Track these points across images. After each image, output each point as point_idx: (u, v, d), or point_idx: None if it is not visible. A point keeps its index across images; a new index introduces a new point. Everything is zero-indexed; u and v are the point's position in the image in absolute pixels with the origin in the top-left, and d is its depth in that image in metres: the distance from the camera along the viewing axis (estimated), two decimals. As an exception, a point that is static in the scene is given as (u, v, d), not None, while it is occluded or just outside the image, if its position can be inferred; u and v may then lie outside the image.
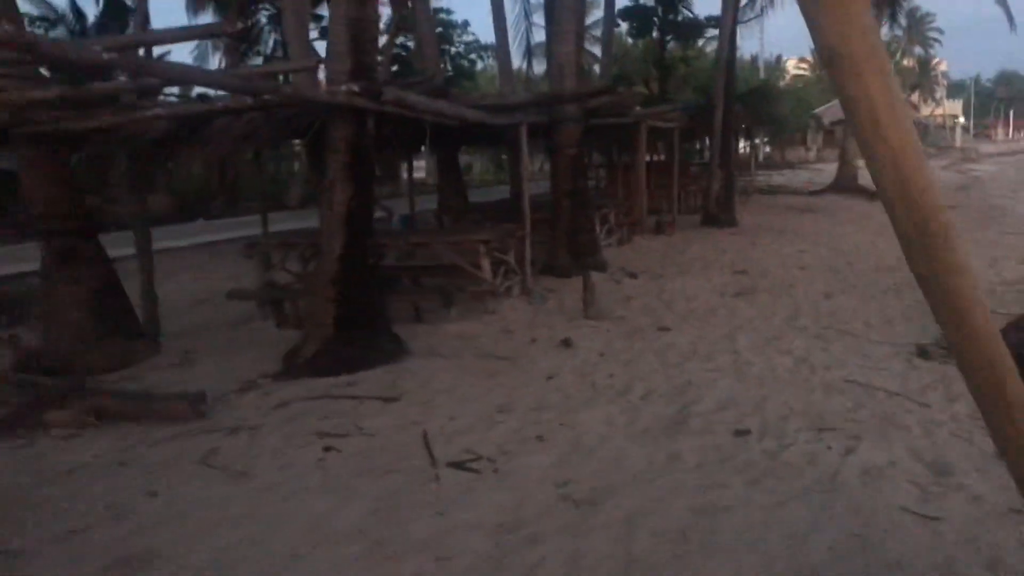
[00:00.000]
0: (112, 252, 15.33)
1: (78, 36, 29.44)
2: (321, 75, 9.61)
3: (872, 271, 12.46)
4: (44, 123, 6.82)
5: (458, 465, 4.73)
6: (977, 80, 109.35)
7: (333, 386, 6.46)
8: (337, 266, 6.77)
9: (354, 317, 6.84)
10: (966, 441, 5.28)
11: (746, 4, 25.75)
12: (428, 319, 9.01)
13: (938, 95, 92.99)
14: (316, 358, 6.73)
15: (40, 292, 8.10)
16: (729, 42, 17.69)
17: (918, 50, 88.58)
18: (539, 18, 27.67)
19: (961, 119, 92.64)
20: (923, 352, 7.57)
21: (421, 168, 37.69)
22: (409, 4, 21.92)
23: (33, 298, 9.66)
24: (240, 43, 33.15)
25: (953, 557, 3.68)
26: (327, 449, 5.10)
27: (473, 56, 42.93)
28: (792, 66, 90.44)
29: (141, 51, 7.97)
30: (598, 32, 35.25)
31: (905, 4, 30.57)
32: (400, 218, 14.90)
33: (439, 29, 37.92)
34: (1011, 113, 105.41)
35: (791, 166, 49.33)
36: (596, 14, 36.58)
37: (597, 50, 37.75)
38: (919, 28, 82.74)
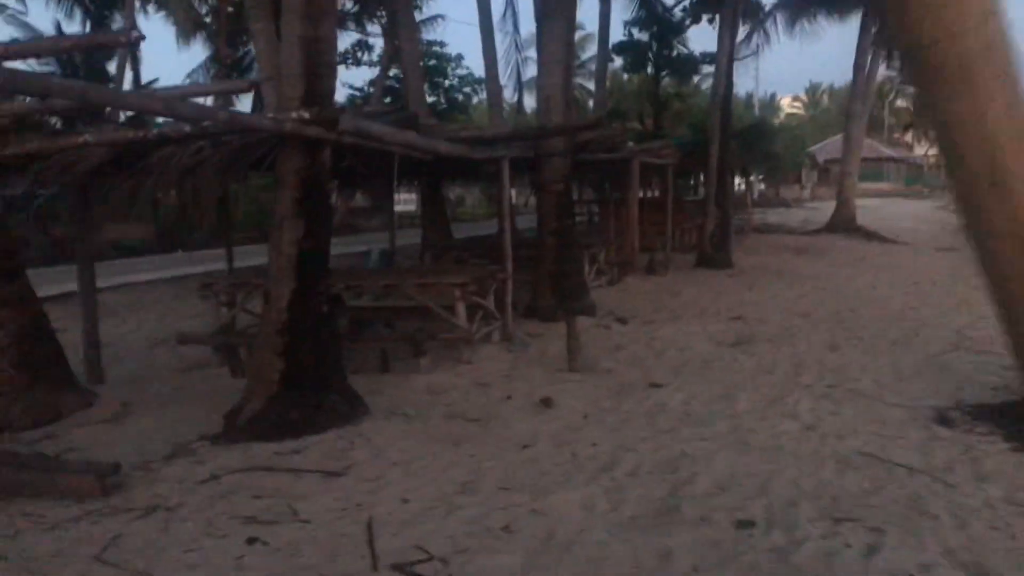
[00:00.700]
0: (102, 283, 14.62)
1: (65, 65, 28.88)
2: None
3: (877, 319, 11.70)
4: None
5: (403, 569, 3.89)
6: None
7: (276, 453, 5.63)
8: (285, 315, 5.98)
9: (303, 373, 6.03)
10: (1007, 536, 4.49)
11: (742, 41, 25.28)
12: (397, 368, 8.22)
13: (931, 136, 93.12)
14: (259, 419, 5.91)
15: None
16: (726, 78, 17.11)
17: (911, 90, 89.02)
18: (532, 52, 27.18)
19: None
20: (944, 419, 6.79)
21: (413, 200, 37.04)
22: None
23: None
24: (231, 71, 32.69)
25: None
26: (251, 541, 4.26)
27: (467, 89, 42.53)
28: (786, 104, 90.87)
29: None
30: (594, 67, 34.96)
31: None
32: (379, 254, 14.15)
33: (433, 62, 37.56)
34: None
35: (786, 204, 48.85)
36: (591, 49, 36.27)
37: (592, 85, 37.46)
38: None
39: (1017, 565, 4.07)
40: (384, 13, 32.27)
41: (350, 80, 50.95)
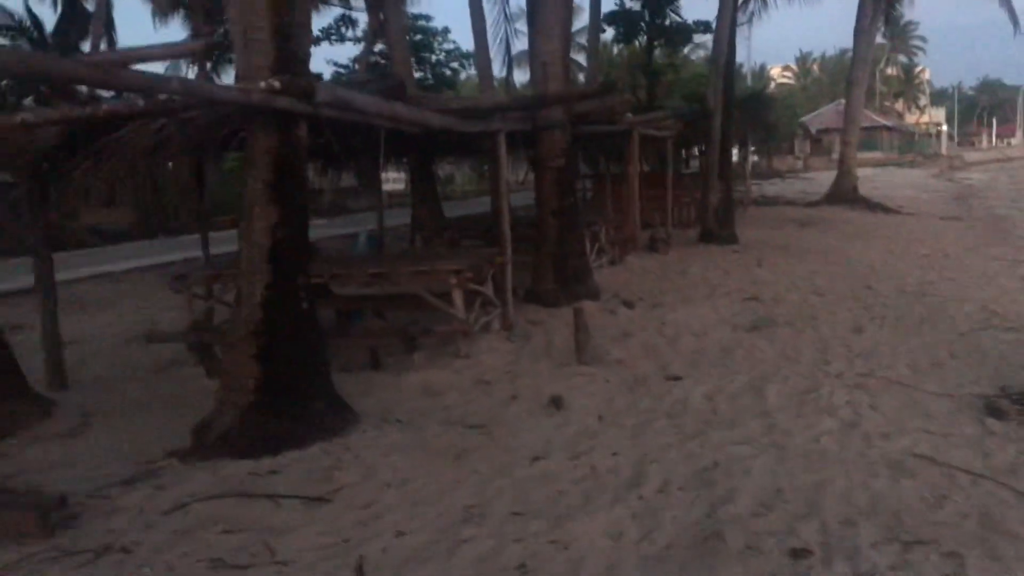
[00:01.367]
0: (68, 274, 13.85)
1: (38, 46, 27.76)
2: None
3: (897, 296, 11.04)
4: None
5: (401, 631, 3.21)
6: (959, 88, 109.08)
7: (251, 473, 4.92)
8: (259, 314, 5.25)
9: (282, 380, 5.31)
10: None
11: (740, 6, 24.39)
12: (388, 365, 7.50)
13: (922, 103, 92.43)
14: (232, 434, 5.19)
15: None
16: (728, 44, 16.28)
17: (902, 58, 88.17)
18: (521, 25, 26.26)
19: (944, 127, 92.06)
20: (994, 410, 6.13)
21: (402, 179, 36.13)
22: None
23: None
24: (212, 52, 31.66)
25: None
26: (218, 593, 3.57)
27: (455, 64, 41.52)
28: (777, 74, 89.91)
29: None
30: (583, 41, 34.03)
31: (898, 8, 29.29)
32: (367, 237, 13.40)
33: (419, 36, 36.54)
34: (994, 121, 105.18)
35: (780, 175, 48.12)
36: (580, 22, 35.30)
37: (582, 59, 36.52)
38: (903, 36, 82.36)
39: None
40: (368, -14, 31.33)
41: (334, 57, 49.77)
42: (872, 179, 36.22)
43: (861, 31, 25.07)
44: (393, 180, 35.66)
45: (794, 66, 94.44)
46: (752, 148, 46.52)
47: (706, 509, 4.34)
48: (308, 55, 5.19)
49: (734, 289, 11.47)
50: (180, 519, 4.34)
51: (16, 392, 6.33)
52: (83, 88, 9.20)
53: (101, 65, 4.55)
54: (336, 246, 16.23)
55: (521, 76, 36.90)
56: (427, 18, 36.75)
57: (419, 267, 7.56)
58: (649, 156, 25.44)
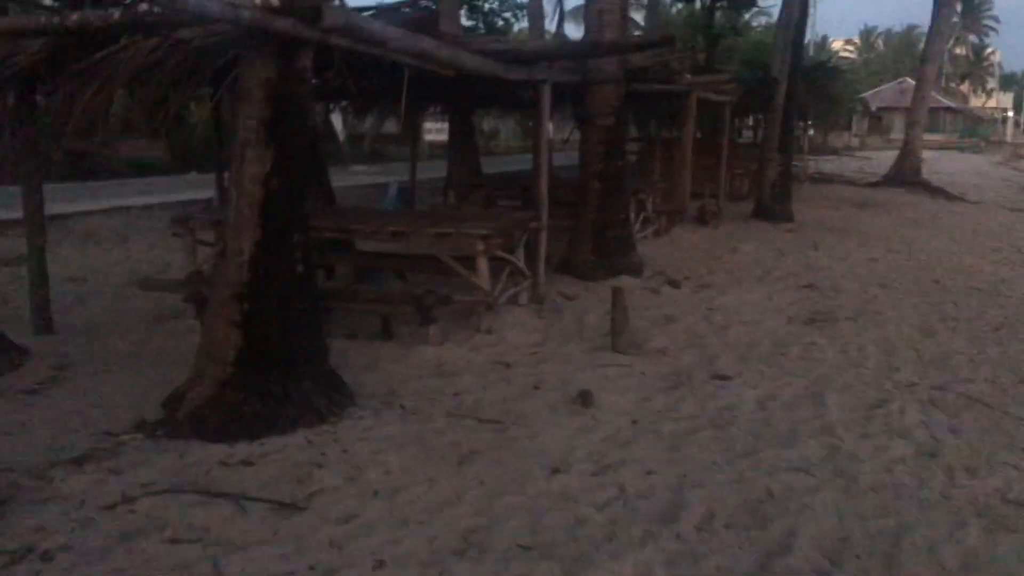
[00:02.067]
0: (89, 204, 13.27)
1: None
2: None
3: (968, 294, 10.02)
4: None
5: None
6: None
7: (221, 463, 4.19)
8: (246, 275, 4.48)
9: (267, 352, 4.55)
10: None
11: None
12: (401, 335, 6.73)
13: (989, 86, 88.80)
14: (205, 411, 4.46)
15: None
16: (800, 5, 15.01)
17: (972, 38, 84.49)
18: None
19: (1011, 113, 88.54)
20: (1101, 445, 5.22)
21: (446, 129, 35.17)
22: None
23: None
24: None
25: None
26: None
27: (508, 15, 40.18)
28: (838, 47, 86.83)
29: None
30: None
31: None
32: (397, 189, 12.60)
33: (471, -17, 35.26)
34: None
35: (836, 152, 46.33)
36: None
37: (640, 19, 35.06)
38: (975, 14, 78.86)
39: None
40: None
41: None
42: (932, 162, 34.44)
43: (942, 3, 23.41)
44: (437, 131, 34.73)
45: (857, 40, 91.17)
46: (809, 122, 44.88)
47: (759, 559, 3.52)
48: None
49: (789, 273, 10.52)
50: (124, 518, 3.62)
51: (-16, 337, 5.66)
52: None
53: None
54: (366, 196, 15.46)
55: (574, 32, 35.50)
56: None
57: (443, 229, 6.74)
58: (703, 122, 24.25)
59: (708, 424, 5.09)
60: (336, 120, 28.31)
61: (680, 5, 35.45)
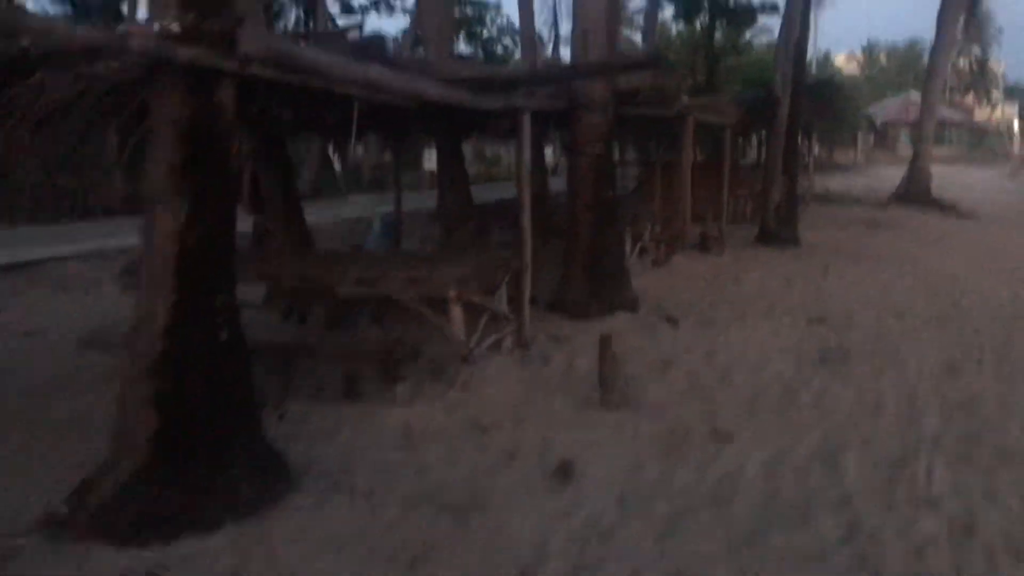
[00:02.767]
0: (75, 247, 12.69)
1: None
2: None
3: (991, 323, 9.29)
4: None
5: None
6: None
7: (130, 569, 3.54)
8: (160, 345, 3.85)
9: (188, 434, 3.91)
10: None
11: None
12: (368, 394, 6.06)
13: (994, 98, 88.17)
14: (116, 506, 3.81)
15: None
16: (801, 18, 14.43)
17: (975, 49, 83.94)
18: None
19: (1017, 124, 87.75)
20: None
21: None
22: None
23: None
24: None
25: None
26: None
27: (507, 41, 39.89)
28: (841, 62, 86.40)
29: None
30: (640, 20, 32.18)
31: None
32: (382, 224, 11.99)
33: (468, 9, 35.05)
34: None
35: (842, 169, 45.67)
36: (637, 1, 33.54)
37: (639, 38, 34.66)
38: (978, 27, 78.45)
39: None
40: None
41: (388, 30, 48.32)
42: (941, 177, 33.70)
43: (946, 15, 22.82)
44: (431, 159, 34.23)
45: (860, 55, 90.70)
46: (815, 139, 44.37)
47: None
48: (234, -6, 3.73)
49: (797, 304, 9.84)
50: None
51: None
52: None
53: None
54: (356, 230, 14.88)
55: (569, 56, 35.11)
56: (475, -10, 35.11)
57: (412, 274, 6.09)
58: (705, 144, 23.67)
59: (707, 500, 4.41)
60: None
61: (681, 26, 35.09)
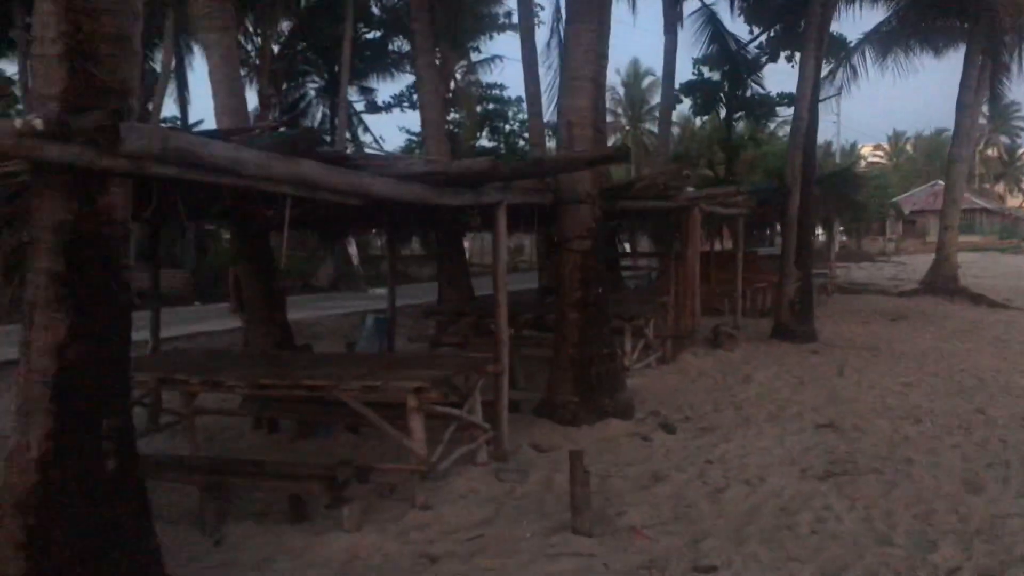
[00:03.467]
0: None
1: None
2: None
3: (1019, 426, 8.57)
4: None
5: None
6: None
7: None
8: (34, 478, 3.39)
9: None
10: None
11: (825, 77, 22.26)
12: (318, 516, 5.53)
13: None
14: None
15: None
16: (809, 113, 14.17)
17: (1003, 139, 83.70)
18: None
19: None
20: None
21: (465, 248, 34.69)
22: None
23: None
24: (282, 114, 31.16)
25: None
26: None
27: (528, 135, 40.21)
28: (868, 152, 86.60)
29: None
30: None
31: (1005, 83, 26.49)
32: (374, 321, 11.60)
33: (491, 105, 35.51)
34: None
35: (870, 258, 45.02)
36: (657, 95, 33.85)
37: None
38: (1004, 116, 78.45)
39: None
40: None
41: (408, 125, 49.12)
42: (971, 265, 32.92)
43: (964, 104, 22.53)
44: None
45: (886, 145, 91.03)
46: (841, 229, 43.97)
47: None
48: (130, 84, 3.40)
49: (807, 407, 9.19)
50: None
51: None
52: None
53: None
54: (356, 326, 14.51)
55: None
56: (501, 87, 35.62)
57: (367, 382, 5.61)
58: (723, 234, 23.32)
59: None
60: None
61: (705, 118, 35.17)
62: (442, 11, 16.62)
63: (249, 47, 31.18)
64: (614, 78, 52.59)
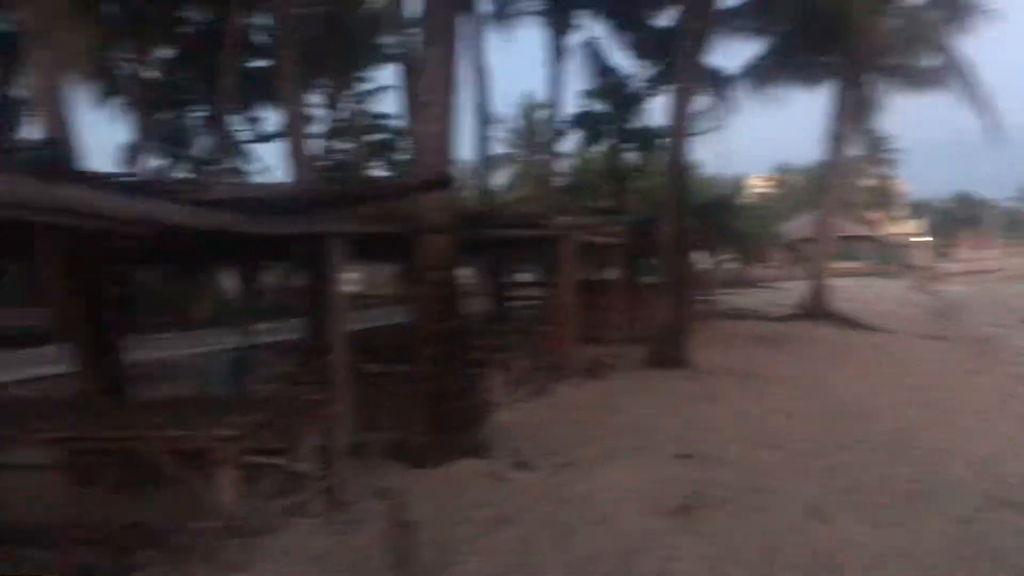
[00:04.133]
0: None
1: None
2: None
3: (876, 451, 8.60)
4: None
5: None
6: (934, 201, 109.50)
7: None
8: None
9: None
10: None
11: (707, 111, 22.86)
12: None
13: (897, 214, 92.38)
14: None
15: None
16: (681, 142, 14.33)
17: (879, 170, 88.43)
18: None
19: (919, 238, 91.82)
20: None
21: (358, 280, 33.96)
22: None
23: None
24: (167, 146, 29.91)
25: None
26: None
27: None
28: (756, 183, 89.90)
29: None
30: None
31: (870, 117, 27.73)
32: (231, 360, 10.92)
33: (383, 135, 34.92)
34: (968, 234, 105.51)
35: (755, 285, 46.34)
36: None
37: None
38: (878, 149, 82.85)
39: None
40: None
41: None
42: (847, 290, 34.18)
43: (833, 135, 23.53)
44: (352, 281, 33.38)
45: (774, 176, 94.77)
46: (726, 257, 45.18)
47: None
48: None
49: (670, 437, 9.03)
50: None
51: None
52: None
53: None
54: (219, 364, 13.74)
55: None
56: (387, 116, 35.19)
57: (170, 432, 5.08)
58: (605, 264, 23.44)
59: None
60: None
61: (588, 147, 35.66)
62: (315, 43, 16.18)
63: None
64: (509, 110, 52.87)
